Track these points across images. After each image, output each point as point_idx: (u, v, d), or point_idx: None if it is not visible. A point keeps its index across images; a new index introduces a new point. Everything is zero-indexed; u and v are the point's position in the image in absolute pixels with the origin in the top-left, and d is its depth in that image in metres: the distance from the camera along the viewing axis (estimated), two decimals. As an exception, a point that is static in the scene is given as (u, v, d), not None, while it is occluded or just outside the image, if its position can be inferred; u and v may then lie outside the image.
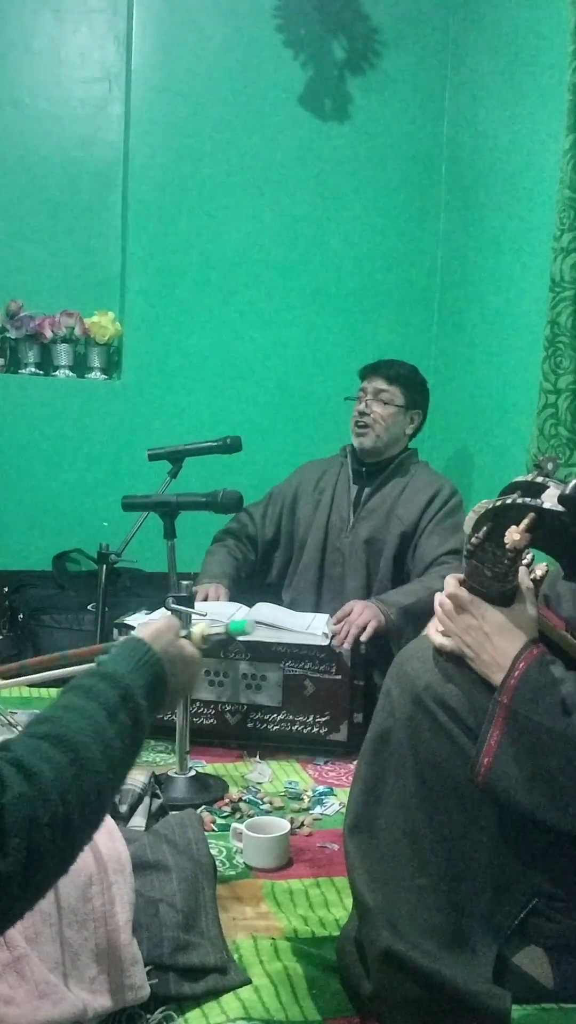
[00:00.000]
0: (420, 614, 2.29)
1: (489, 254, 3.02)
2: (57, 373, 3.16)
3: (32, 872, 0.77)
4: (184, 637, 1.15)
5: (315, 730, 2.23)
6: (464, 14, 3.24)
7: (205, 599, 2.47)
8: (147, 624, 1.11)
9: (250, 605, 2.47)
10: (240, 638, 1.20)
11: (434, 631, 1.30)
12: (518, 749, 1.16)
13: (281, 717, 2.24)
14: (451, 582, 1.28)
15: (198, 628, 1.18)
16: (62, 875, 0.83)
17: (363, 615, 2.30)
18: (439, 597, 1.29)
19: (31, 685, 1.91)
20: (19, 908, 0.79)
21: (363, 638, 2.27)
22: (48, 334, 3.09)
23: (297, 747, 2.24)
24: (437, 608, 1.30)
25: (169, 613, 1.97)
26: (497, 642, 1.21)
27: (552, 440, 2.33)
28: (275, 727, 2.24)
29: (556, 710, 1.16)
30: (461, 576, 1.27)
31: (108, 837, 1.29)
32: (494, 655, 1.21)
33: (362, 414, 2.70)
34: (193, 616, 1.17)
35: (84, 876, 1.21)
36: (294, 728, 2.24)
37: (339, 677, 2.22)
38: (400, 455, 2.75)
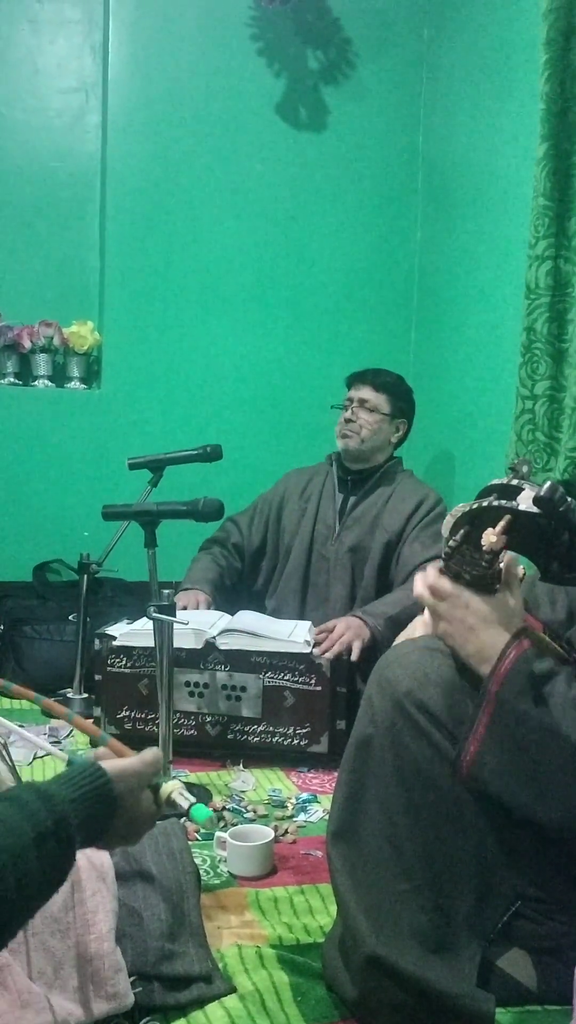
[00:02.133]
0: (407, 623, 2.28)
1: (465, 261, 3.04)
2: (36, 383, 3.15)
3: None
4: (152, 787, 1.02)
5: (295, 742, 2.22)
6: (438, 24, 3.27)
7: (184, 608, 2.46)
8: (123, 761, 1.00)
9: (233, 613, 2.47)
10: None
11: (420, 626, 1.30)
12: (504, 738, 1.17)
13: (261, 728, 2.23)
14: (431, 571, 1.26)
15: (168, 786, 1.03)
16: None
17: (346, 635, 2.28)
18: (423, 581, 1.27)
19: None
20: None
21: (353, 658, 2.25)
22: (27, 344, 3.08)
23: (278, 758, 2.23)
24: (424, 595, 1.28)
25: (151, 624, 1.98)
26: (482, 634, 1.21)
27: (530, 445, 2.34)
28: (255, 738, 2.23)
29: (543, 701, 1.17)
30: (440, 565, 1.26)
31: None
32: (480, 647, 1.21)
33: (348, 421, 2.71)
34: (171, 784, 0.99)
35: (67, 885, 1.20)
36: (275, 740, 2.23)
37: (319, 688, 2.22)
38: (386, 464, 2.76)
